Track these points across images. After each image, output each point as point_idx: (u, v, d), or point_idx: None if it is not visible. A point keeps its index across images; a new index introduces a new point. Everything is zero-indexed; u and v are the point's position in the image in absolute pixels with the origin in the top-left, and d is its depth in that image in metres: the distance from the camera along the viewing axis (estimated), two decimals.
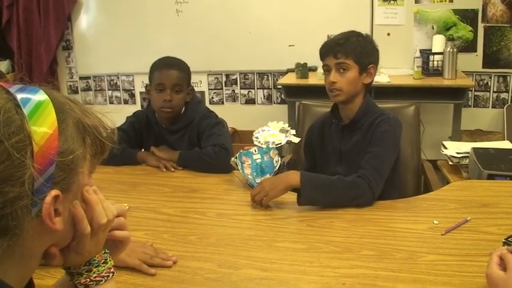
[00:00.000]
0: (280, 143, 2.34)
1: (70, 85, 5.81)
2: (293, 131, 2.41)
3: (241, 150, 2.33)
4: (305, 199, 1.97)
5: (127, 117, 2.77)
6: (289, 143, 2.38)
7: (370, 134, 2.20)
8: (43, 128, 0.81)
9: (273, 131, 2.38)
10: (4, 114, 0.78)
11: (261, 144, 2.33)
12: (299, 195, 1.98)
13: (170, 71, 2.60)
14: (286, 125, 2.45)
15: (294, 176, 2.01)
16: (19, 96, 0.82)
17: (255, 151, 2.33)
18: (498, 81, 4.90)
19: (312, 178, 2.02)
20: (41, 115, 0.82)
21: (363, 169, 2.06)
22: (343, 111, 2.32)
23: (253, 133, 2.42)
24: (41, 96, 0.84)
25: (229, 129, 3.41)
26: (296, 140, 2.38)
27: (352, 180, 2.02)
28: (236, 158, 2.30)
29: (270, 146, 2.33)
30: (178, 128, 2.68)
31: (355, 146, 2.26)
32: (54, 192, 0.82)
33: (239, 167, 2.27)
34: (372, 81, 2.31)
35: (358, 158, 2.20)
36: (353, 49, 2.21)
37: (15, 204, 0.78)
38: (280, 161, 2.30)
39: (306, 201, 1.98)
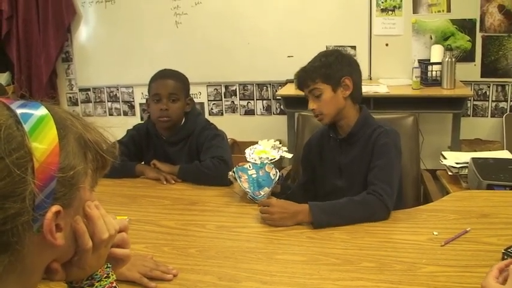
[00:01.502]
0: (274, 159, 2.35)
1: (70, 97, 5.82)
2: (285, 148, 2.42)
3: (236, 166, 2.34)
4: (318, 226, 1.94)
5: (127, 131, 2.78)
6: (282, 159, 2.39)
7: (370, 147, 2.19)
8: (44, 144, 0.81)
9: (264, 148, 2.40)
10: (5, 131, 0.78)
11: (255, 160, 2.34)
12: (312, 223, 1.96)
13: (166, 81, 2.63)
14: (277, 142, 2.46)
15: (304, 215, 1.96)
16: (20, 112, 0.82)
17: (250, 167, 2.34)
18: (497, 91, 4.91)
19: (320, 206, 1.98)
20: (41, 131, 0.82)
21: (372, 185, 2.04)
22: (339, 126, 2.31)
23: (245, 151, 2.44)
24: (41, 112, 0.85)
25: (229, 140, 3.42)
26: (289, 155, 2.40)
27: (363, 199, 2.00)
28: (234, 172, 2.30)
29: (264, 162, 2.33)
30: (177, 139, 2.68)
31: (354, 159, 2.25)
32: (55, 208, 0.82)
33: (238, 181, 2.27)
34: (356, 91, 2.25)
35: (357, 171, 2.21)
36: (317, 72, 2.21)
37: (16, 220, 0.78)
38: (278, 173, 2.30)
39: (319, 227, 1.94)
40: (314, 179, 2.44)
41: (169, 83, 2.62)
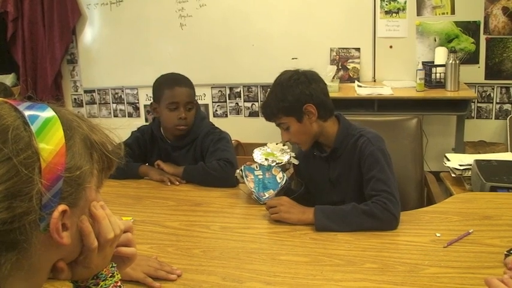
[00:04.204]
0: (281, 162, 2.35)
1: (75, 98, 5.84)
2: (293, 154, 2.42)
3: (244, 165, 2.35)
4: (320, 229, 1.94)
5: (132, 132, 2.79)
6: (290, 164, 2.39)
7: (356, 158, 2.16)
8: (50, 144, 0.83)
9: (272, 150, 2.40)
10: (13, 132, 0.80)
11: (261, 162, 2.35)
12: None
13: (182, 89, 2.59)
14: (286, 147, 2.46)
15: (309, 215, 1.98)
16: (27, 113, 0.84)
17: (257, 167, 2.35)
18: (501, 93, 4.91)
19: (325, 211, 1.98)
20: (48, 132, 0.83)
21: (374, 196, 2.00)
22: (321, 142, 2.28)
23: (254, 150, 2.43)
24: (48, 113, 0.86)
25: (233, 141, 3.42)
26: (296, 162, 2.39)
27: (369, 209, 1.95)
28: (241, 171, 2.31)
29: (271, 164, 2.34)
30: (183, 144, 2.68)
31: (343, 172, 2.23)
32: (61, 207, 0.83)
33: (244, 180, 2.28)
34: (323, 109, 2.18)
35: (349, 183, 2.20)
36: (277, 107, 2.17)
37: (24, 219, 0.79)
38: (285, 177, 2.30)
39: (321, 230, 1.94)
40: (309, 192, 2.40)
41: (186, 91, 2.59)
